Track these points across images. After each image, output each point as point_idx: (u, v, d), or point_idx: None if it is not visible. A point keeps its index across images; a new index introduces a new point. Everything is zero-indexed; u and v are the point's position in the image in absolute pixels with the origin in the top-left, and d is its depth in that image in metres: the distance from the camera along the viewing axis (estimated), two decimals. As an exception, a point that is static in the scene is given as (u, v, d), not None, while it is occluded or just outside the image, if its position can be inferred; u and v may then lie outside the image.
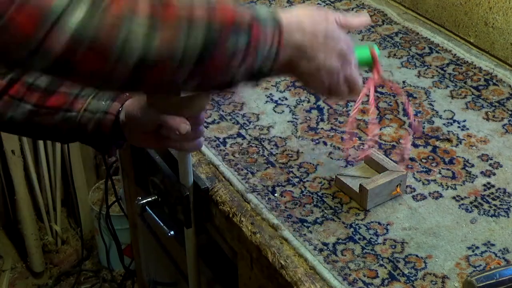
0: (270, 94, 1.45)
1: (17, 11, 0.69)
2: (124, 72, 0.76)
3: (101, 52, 0.73)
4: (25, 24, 0.70)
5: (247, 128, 1.36)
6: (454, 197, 1.19)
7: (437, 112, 1.40)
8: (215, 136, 1.34)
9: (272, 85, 1.48)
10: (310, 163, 1.27)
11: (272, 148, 1.31)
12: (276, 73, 0.90)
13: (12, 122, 1.09)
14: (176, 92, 0.92)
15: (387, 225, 1.14)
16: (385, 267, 1.06)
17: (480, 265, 1.07)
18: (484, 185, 1.22)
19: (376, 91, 1.45)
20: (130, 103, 1.10)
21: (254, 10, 0.84)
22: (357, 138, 1.33)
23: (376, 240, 1.11)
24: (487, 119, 1.37)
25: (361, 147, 1.30)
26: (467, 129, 1.35)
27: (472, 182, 1.22)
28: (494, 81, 1.48)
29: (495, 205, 1.18)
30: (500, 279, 1.00)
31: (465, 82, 1.48)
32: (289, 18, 0.87)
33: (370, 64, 1.03)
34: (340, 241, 1.11)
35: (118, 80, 0.78)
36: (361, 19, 0.99)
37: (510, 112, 1.39)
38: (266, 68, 0.86)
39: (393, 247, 1.10)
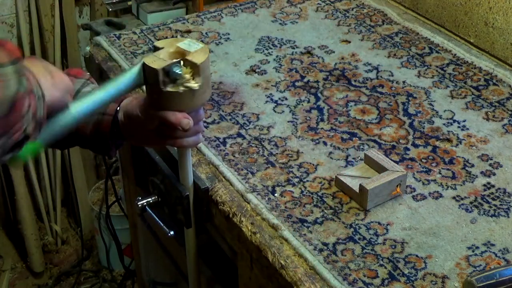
0: (270, 94, 1.45)
1: None
2: None
3: None
4: None
5: (247, 128, 1.36)
6: (454, 197, 1.19)
7: (437, 112, 1.40)
8: (215, 136, 1.34)
9: (272, 85, 1.48)
10: (310, 163, 1.27)
11: (272, 148, 1.31)
12: None
13: None
14: None
15: (387, 225, 1.14)
16: (385, 267, 1.06)
17: (480, 265, 1.07)
18: (484, 185, 1.22)
19: (376, 91, 1.45)
20: (128, 102, 1.10)
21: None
22: (357, 138, 1.33)
23: (376, 240, 1.11)
24: (487, 119, 1.37)
25: (361, 147, 1.30)
26: (467, 129, 1.35)
27: (472, 182, 1.22)
28: (494, 81, 1.48)
29: (495, 205, 1.18)
30: (500, 279, 1.00)
31: (465, 82, 1.48)
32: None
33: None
34: (340, 241, 1.11)
35: None
36: None
37: (510, 112, 1.39)
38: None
39: (393, 247, 1.10)
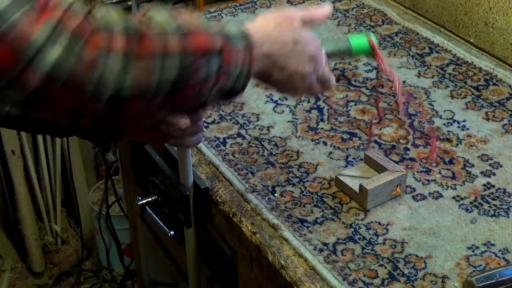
0: (270, 94, 1.45)
1: None
2: (97, 108, 0.76)
3: (76, 89, 0.73)
4: (3, 58, 0.70)
5: (247, 128, 1.36)
6: (454, 197, 1.19)
7: (437, 112, 1.40)
8: (215, 136, 1.34)
9: (272, 85, 1.48)
10: (310, 163, 1.27)
11: (272, 148, 1.31)
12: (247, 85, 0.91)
13: (9, 118, 1.10)
14: (150, 121, 0.93)
15: (387, 225, 1.14)
16: (385, 267, 1.06)
17: (480, 265, 1.07)
18: (484, 185, 1.22)
19: (376, 91, 1.45)
20: None
21: (224, 29, 0.84)
22: (357, 138, 1.33)
23: (376, 240, 1.11)
24: (487, 119, 1.37)
25: (361, 147, 1.30)
26: (467, 129, 1.35)
27: (472, 182, 1.22)
28: (494, 81, 1.48)
29: (495, 205, 1.18)
30: (500, 279, 1.00)
31: (465, 82, 1.48)
32: (257, 30, 0.88)
33: (368, 52, 1.05)
34: (340, 241, 1.11)
35: (91, 115, 0.78)
36: (324, 11, 1.01)
37: (510, 112, 1.39)
38: (239, 86, 0.87)
39: (393, 247, 1.10)
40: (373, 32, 1.66)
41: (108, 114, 0.78)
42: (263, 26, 0.90)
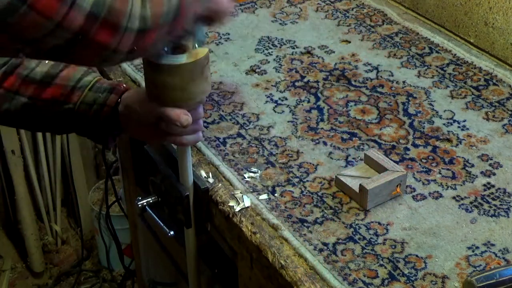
0: (270, 94, 1.45)
1: None
2: (129, 41, 0.83)
3: (114, 24, 0.81)
4: (46, 7, 0.74)
5: (247, 128, 1.36)
6: (454, 197, 1.19)
7: (437, 112, 1.40)
8: (215, 136, 1.34)
9: (272, 85, 1.48)
10: (310, 163, 1.27)
11: (272, 148, 1.31)
12: None
13: (8, 114, 1.10)
14: (157, 53, 1.01)
15: (387, 225, 1.14)
16: (385, 267, 1.06)
17: (480, 265, 1.07)
18: (484, 185, 1.22)
19: (376, 91, 1.45)
20: (128, 96, 1.11)
21: None
22: (357, 138, 1.33)
23: (376, 240, 1.11)
24: (487, 119, 1.37)
25: (361, 147, 1.30)
26: (467, 129, 1.35)
27: (472, 182, 1.22)
28: (494, 81, 1.48)
29: (495, 205, 1.18)
30: (500, 279, 1.00)
31: (465, 82, 1.48)
32: None
33: None
34: (340, 241, 1.11)
35: (123, 50, 0.85)
36: None
37: (510, 112, 1.39)
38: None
39: (393, 247, 1.10)
40: (373, 32, 1.66)
41: (135, 47, 0.85)
42: None
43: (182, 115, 1.04)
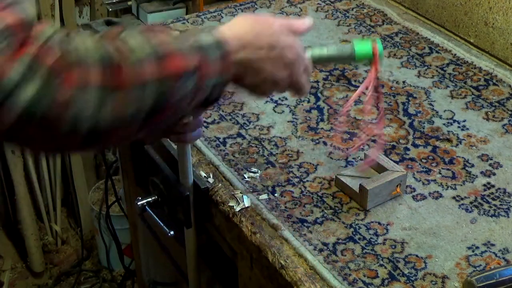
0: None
1: None
2: (75, 142, 0.75)
3: (52, 127, 0.71)
4: None
5: (247, 128, 1.36)
6: (454, 197, 1.19)
7: (437, 112, 1.40)
8: (215, 136, 1.34)
9: (272, 85, 1.48)
10: (310, 163, 1.27)
11: (272, 148, 1.31)
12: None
13: None
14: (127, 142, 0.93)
15: (387, 225, 1.14)
16: (385, 267, 1.06)
17: (480, 265, 1.07)
18: (484, 185, 1.22)
19: (376, 91, 1.45)
20: None
21: (198, 40, 0.82)
22: (357, 138, 1.33)
23: (376, 240, 1.11)
24: (487, 119, 1.37)
25: (361, 147, 1.30)
26: (467, 129, 1.35)
27: (472, 182, 1.22)
28: (494, 81, 1.48)
29: (495, 205, 1.18)
30: (500, 279, 1.00)
31: (465, 82, 1.48)
32: (232, 35, 0.86)
33: (371, 59, 1.03)
34: (340, 241, 1.11)
35: (69, 148, 0.78)
36: (305, 24, 0.98)
37: (510, 112, 1.39)
38: (216, 95, 0.87)
39: (393, 247, 1.10)
40: (373, 32, 1.66)
41: (86, 145, 0.77)
42: (238, 30, 0.88)
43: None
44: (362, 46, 1.01)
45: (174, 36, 0.82)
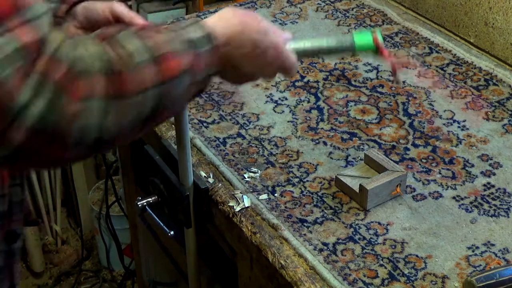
0: (270, 94, 1.45)
1: None
2: (83, 152, 0.76)
3: (61, 141, 0.72)
4: None
5: (247, 128, 1.36)
6: (454, 197, 1.19)
7: (437, 112, 1.40)
8: (215, 136, 1.34)
9: (272, 85, 1.48)
10: (310, 163, 1.27)
11: (272, 148, 1.31)
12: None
13: None
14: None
15: (387, 225, 1.14)
16: (385, 267, 1.06)
17: (480, 265, 1.07)
18: (484, 185, 1.22)
19: (376, 91, 1.45)
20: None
21: (188, 35, 0.84)
22: (357, 138, 1.33)
23: (376, 240, 1.11)
24: (487, 119, 1.37)
25: (361, 147, 1.30)
26: (467, 129, 1.35)
27: (472, 182, 1.22)
28: (494, 81, 1.48)
29: (495, 205, 1.18)
30: (500, 279, 1.00)
31: (465, 82, 1.48)
32: (222, 30, 0.87)
33: (373, 49, 1.03)
34: (340, 241, 1.11)
35: (77, 159, 0.78)
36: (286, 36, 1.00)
37: (510, 112, 1.39)
38: (205, 86, 0.89)
39: (393, 247, 1.10)
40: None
41: (92, 154, 0.78)
42: (225, 24, 0.89)
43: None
44: (362, 37, 1.02)
45: (166, 33, 0.83)
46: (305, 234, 1.12)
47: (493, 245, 1.10)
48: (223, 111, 1.41)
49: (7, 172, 0.94)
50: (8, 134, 0.69)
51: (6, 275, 0.99)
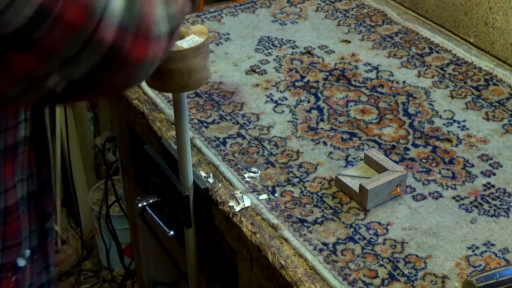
0: (270, 94, 1.45)
1: (65, 6, 0.67)
2: (163, 46, 0.76)
3: (146, 35, 0.72)
4: (75, 17, 0.68)
5: (247, 128, 1.36)
6: (454, 197, 1.19)
7: (437, 112, 1.40)
8: (215, 136, 1.34)
9: (272, 85, 1.48)
10: (310, 163, 1.27)
11: (272, 148, 1.31)
12: None
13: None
14: None
15: (387, 225, 1.14)
16: (385, 267, 1.06)
17: (480, 265, 1.07)
18: (484, 185, 1.22)
19: (376, 91, 1.45)
20: None
21: None
22: (357, 138, 1.33)
23: (376, 240, 1.11)
24: (487, 119, 1.37)
25: (361, 147, 1.30)
26: (467, 129, 1.35)
27: (472, 182, 1.22)
28: (494, 81, 1.48)
29: (495, 205, 1.18)
30: (500, 279, 1.00)
31: (465, 82, 1.48)
32: None
33: None
34: (340, 241, 1.11)
35: (159, 58, 0.77)
36: None
37: (510, 112, 1.39)
38: None
39: (393, 247, 1.10)
40: (373, 32, 1.66)
41: (167, 49, 0.77)
42: None
43: None
44: None
45: None
46: (305, 234, 1.12)
47: (493, 245, 1.10)
48: (223, 111, 1.41)
49: (33, 153, 0.94)
50: (98, 34, 0.69)
51: (41, 256, 0.99)
